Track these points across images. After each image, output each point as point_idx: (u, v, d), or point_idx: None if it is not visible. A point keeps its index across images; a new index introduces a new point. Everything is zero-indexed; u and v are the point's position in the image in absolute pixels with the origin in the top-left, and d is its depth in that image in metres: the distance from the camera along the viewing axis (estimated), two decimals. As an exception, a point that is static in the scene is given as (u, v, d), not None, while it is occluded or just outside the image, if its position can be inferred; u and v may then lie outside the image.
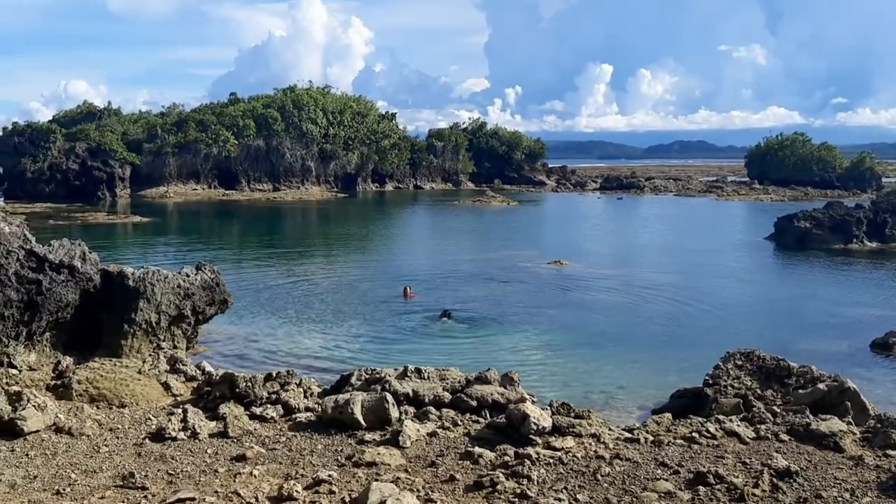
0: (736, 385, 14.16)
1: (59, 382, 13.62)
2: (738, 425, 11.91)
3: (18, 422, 11.18)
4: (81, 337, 16.57)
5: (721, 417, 12.36)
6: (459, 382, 13.66)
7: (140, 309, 16.95)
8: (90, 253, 17.13)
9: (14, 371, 14.30)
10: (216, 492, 9.42)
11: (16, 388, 12.31)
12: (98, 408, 12.61)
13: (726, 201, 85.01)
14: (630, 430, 11.97)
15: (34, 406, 11.48)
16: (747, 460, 10.61)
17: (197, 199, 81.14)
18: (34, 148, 79.82)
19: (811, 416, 12.14)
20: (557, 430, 11.55)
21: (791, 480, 9.77)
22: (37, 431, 11.25)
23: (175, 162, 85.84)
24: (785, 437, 11.55)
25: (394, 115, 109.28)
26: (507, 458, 10.49)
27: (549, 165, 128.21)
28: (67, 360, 15.19)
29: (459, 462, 10.54)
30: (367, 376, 13.92)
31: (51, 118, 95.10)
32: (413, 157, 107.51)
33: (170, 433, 11.35)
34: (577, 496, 9.38)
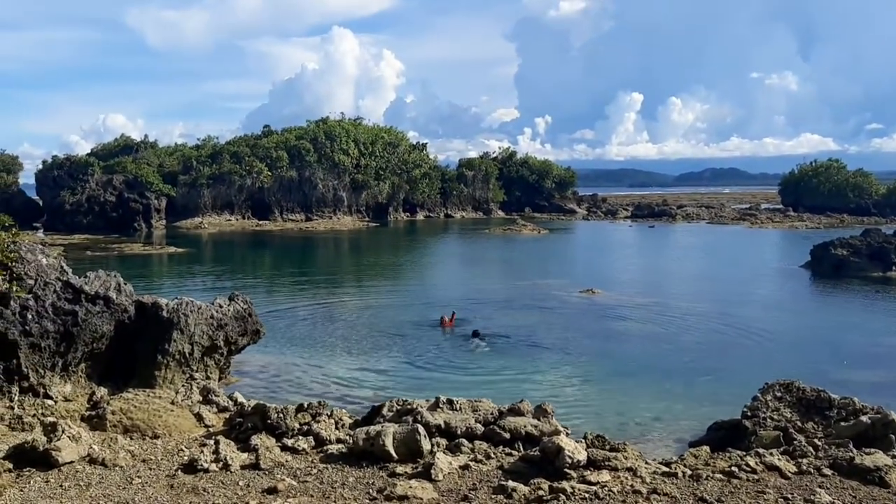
0: (775, 417, 13.81)
1: (93, 413, 13.65)
2: (778, 459, 11.55)
3: (53, 452, 11.18)
4: (116, 368, 16.65)
5: (761, 451, 12.02)
6: (492, 414, 13.48)
7: (173, 340, 17.01)
8: (125, 284, 17.27)
9: (50, 402, 14.40)
10: (247, 525, 9.35)
11: (51, 418, 12.35)
12: (131, 438, 12.62)
13: (760, 229, 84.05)
14: (667, 464, 11.63)
15: (69, 437, 11.49)
16: (789, 496, 10.25)
17: (231, 229, 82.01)
18: (73, 181, 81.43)
19: (854, 450, 11.77)
20: (592, 464, 11.24)
21: (836, 517, 9.45)
22: (71, 462, 11.23)
23: (209, 193, 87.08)
24: (828, 471, 11.17)
25: (424, 145, 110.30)
26: (541, 493, 10.23)
27: (580, 194, 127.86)
28: (102, 391, 15.26)
29: (493, 496, 10.32)
30: (399, 407, 13.80)
31: (89, 151, 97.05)
32: (444, 187, 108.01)
33: (202, 464, 11.27)
34: (614, 532, 9.15)
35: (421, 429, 12.08)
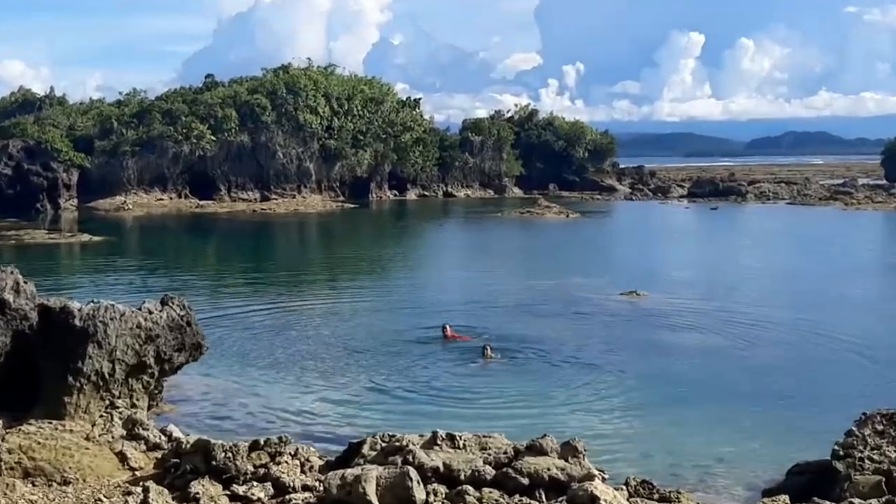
0: (876, 457, 13.79)
1: (-18, 452, 13.68)
2: (880, 512, 11.67)
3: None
4: (13, 392, 16.59)
5: (857, 501, 11.99)
6: (506, 453, 13.55)
7: (89, 356, 16.94)
8: (25, 283, 17.22)
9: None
10: None
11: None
12: (34, 485, 12.56)
13: (857, 211, 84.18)
14: (734, 519, 11.71)
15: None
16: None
17: (163, 211, 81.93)
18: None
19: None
20: (636, 518, 11.40)
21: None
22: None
23: (135, 164, 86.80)
24: (944, 528, 11.27)
25: (417, 101, 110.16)
26: (569, 556, 10.39)
27: (621, 166, 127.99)
28: (-5, 423, 15.26)
29: (506, 561, 10.44)
30: (385, 445, 13.85)
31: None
32: (443, 157, 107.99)
33: (126, 519, 11.34)
34: None
35: (413, 472, 12.09)
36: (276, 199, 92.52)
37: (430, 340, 26.92)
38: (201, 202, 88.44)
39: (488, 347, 24.87)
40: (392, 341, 26.82)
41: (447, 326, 27.49)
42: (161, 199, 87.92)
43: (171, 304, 19.03)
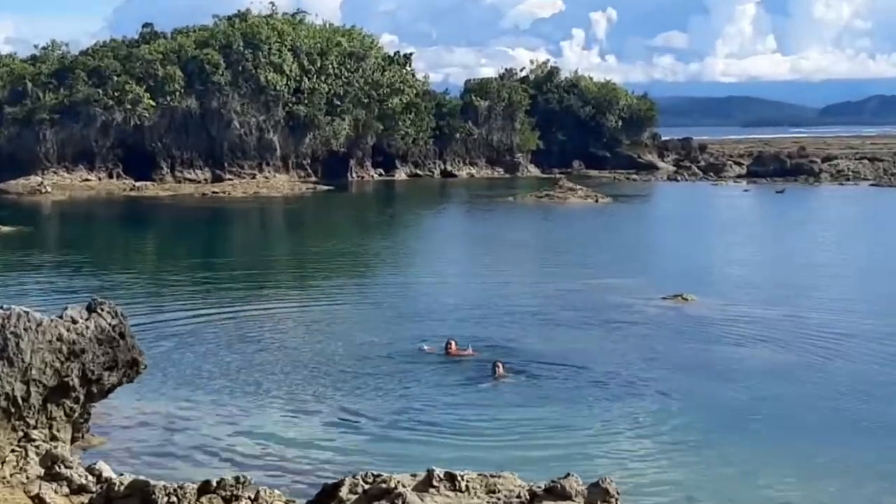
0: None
1: None
2: None
3: None
4: None
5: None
6: (519, 497, 13.44)
7: (-3, 376, 17.19)
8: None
9: None
10: None
11: None
12: (-72, 539, 12.68)
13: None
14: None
15: None
16: None
17: (90, 195, 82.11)
18: None
19: None
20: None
21: None
22: None
23: (55, 136, 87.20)
24: None
25: (407, 57, 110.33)
26: None
27: (664, 138, 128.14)
28: None
29: None
30: (368, 487, 13.72)
31: None
32: (440, 126, 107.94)
33: (44, 581, 11.22)
34: None
35: None
36: (231, 179, 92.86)
37: (425, 357, 26.75)
38: (138, 183, 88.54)
39: (499, 365, 24.76)
40: (378, 358, 26.68)
41: (452, 343, 27.28)
42: (87, 180, 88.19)
43: (99, 310, 18.78)
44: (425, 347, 27.55)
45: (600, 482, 13.48)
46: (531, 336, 29.60)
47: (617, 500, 13.31)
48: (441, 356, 26.70)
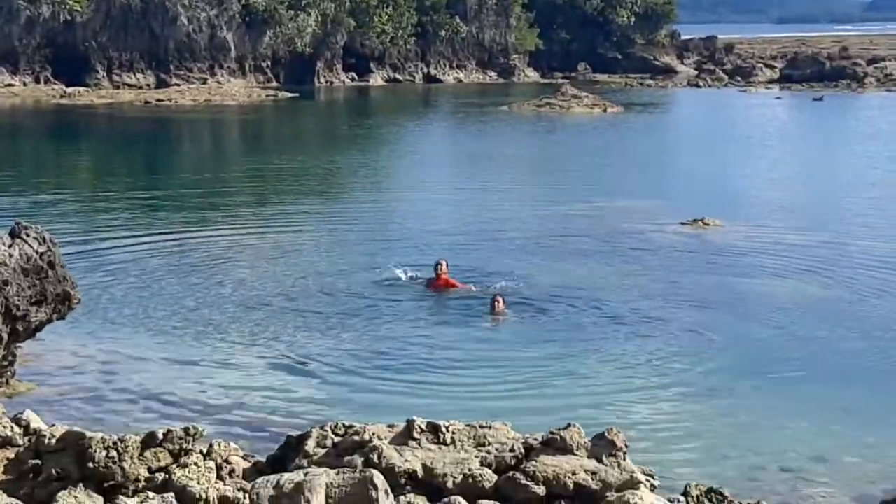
0: None
1: None
2: None
3: None
4: None
5: None
6: (513, 451, 13.10)
7: None
8: None
9: None
10: None
11: None
12: None
13: None
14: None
15: None
16: None
17: (13, 102, 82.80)
18: None
19: None
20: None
21: None
22: None
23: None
24: None
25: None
26: None
27: (684, 36, 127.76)
28: None
29: None
30: (338, 439, 13.40)
31: None
32: (423, 23, 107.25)
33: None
34: None
35: (378, 478, 11.75)
36: (178, 85, 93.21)
37: (409, 289, 26.32)
38: (69, 89, 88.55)
39: (499, 300, 24.05)
40: (350, 291, 26.05)
41: (442, 263, 26.29)
42: (10, 85, 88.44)
43: (24, 236, 18.36)
44: (402, 275, 26.99)
45: (606, 433, 13.28)
46: (533, 267, 29.04)
47: (625, 452, 13.07)
48: (425, 288, 26.23)
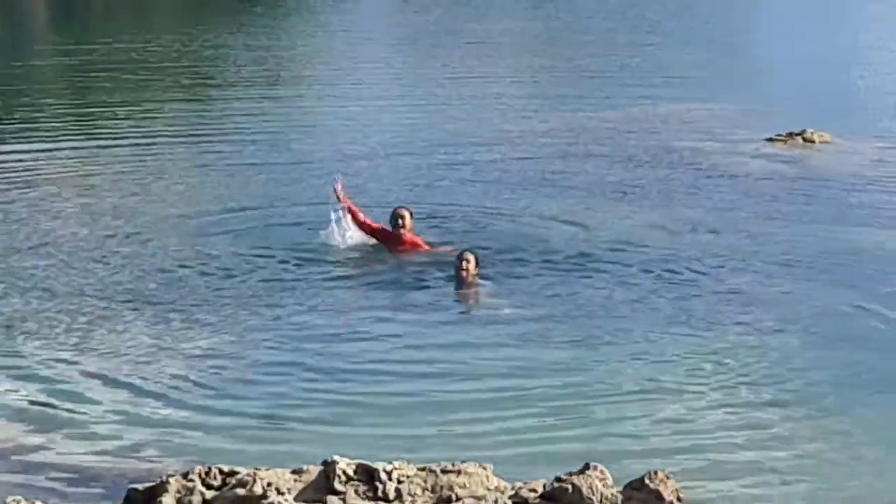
0: None
1: None
2: None
3: None
4: None
5: None
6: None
7: None
8: None
9: None
10: None
11: None
12: None
13: None
14: None
15: None
16: None
17: None
18: None
19: None
20: None
21: None
22: None
23: None
24: None
25: None
26: None
27: None
28: None
29: None
30: (212, 493, 11.84)
31: None
32: None
33: None
34: None
35: None
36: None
37: (332, 254, 20.02)
38: None
39: (468, 259, 17.97)
40: (240, 257, 19.80)
41: (405, 214, 20.13)
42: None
43: None
44: (337, 237, 20.71)
45: (648, 479, 11.15)
46: (539, 206, 23.09)
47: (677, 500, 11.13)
48: (384, 252, 20.11)
